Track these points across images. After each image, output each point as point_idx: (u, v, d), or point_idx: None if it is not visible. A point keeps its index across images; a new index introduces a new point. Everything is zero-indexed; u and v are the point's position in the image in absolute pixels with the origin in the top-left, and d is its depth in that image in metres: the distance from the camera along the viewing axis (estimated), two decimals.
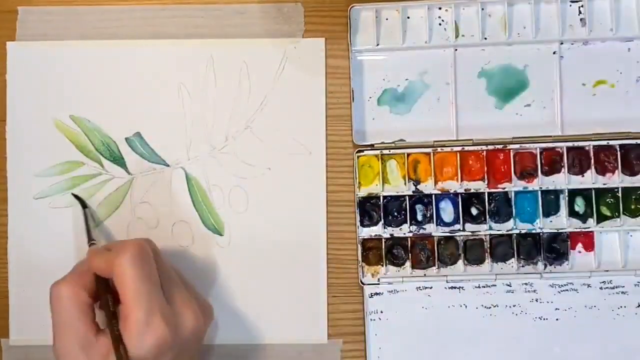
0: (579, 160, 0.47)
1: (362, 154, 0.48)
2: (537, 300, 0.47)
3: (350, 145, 0.49)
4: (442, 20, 0.48)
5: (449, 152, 0.48)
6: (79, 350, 0.39)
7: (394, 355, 0.48)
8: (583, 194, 0.48)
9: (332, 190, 0.49)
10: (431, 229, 0.48)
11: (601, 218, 0.47)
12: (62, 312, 0.40)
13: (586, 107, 0.48)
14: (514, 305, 0.48)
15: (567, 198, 0.47)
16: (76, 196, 0.48)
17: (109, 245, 0.44)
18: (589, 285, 0.47)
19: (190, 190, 0.49)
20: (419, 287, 0.48)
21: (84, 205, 0.48)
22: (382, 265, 0.48)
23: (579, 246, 0.48)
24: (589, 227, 0.47)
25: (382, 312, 0.48)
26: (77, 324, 0.40)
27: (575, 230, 0.47)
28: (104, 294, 0.41)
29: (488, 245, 0.48)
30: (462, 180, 0.48)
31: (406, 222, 0.48)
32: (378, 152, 0.48)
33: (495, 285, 0.48)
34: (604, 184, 0.47)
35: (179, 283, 0.43)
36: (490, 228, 0.48)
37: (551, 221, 0.48)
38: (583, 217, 0.47)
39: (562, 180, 0.47)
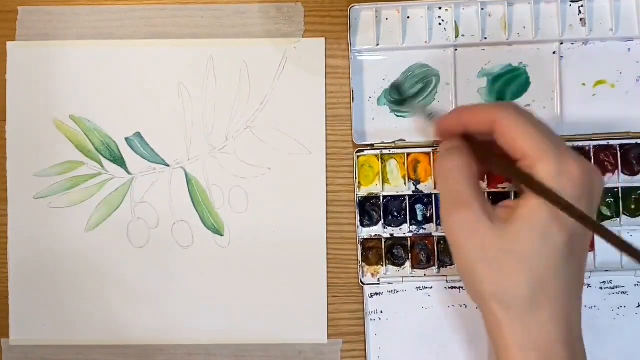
0: None
1: (362, 154, 0.48)
2: None
3: (350, 145, 0.49)
4: (442, 20, 0.48)
5: None
6: (484, 216, 0.36)
7: (394, 355, 0.48)
8: None
9: (332, 190, 0.49)
10: (431, 229, 0.48)
11: (601, 218, 0.47)
12: (461, 182, 0.37)
13: (586, 107, 0.48)
14: None
15: None
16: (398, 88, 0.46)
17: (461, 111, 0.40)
18: (589, 285, 0.47)
19: (190, 190, 0.49)
20: (419, 287, 0.48)
21: (407, 97, 0.46)
22: (382, 265, 0.48)
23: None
24: None
25: (382, 312, 0.48)
26: (477, 191, 0.37)
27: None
28: (485, 155, 0.38)
29: None
30: None
31: (406, 222, 0.48)
32: (378, 152, 0.48)
33: None
34: (604, 184, 0.47)
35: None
36: None
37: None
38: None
39: None
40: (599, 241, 0.47)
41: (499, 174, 0.39)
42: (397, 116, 0.48)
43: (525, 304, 0.35)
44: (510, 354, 0.36)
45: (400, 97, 0.47)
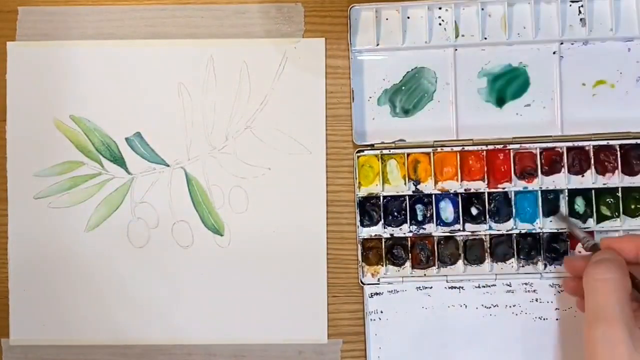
0: (579, 160, 0.47)
1: (362, 154, 0.48)
2: (537, 300, 0.47)
3: (350, 145, 0.49)
4: (442, 20, 0.48)
5: (449, 152, 0.48)
6: (628, 339, 0.35)
7: (394, 355, 0.48)
8: (583, 194, 0.48)
9: (332, 190, 0.49)
10: (431, 229, 0.48)
11: (601, 218, 0.47)
12: (610, 297, 0.36)
13: (586, 107, 0.48)
14: (514, 305, 0.48)
15: (567, 198, 0.47)
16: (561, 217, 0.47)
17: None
18: None
19: (190, 190, 0.49)
20: (419, 287, 0.48)
21: (561, 215, 0.47)
22: (382, 265, 0.48)
23: (579, 246, 0.47)
24: (589, 227, 0.47)
25: (382, 312, 0.48)
26: (625, 311, 0.36)
27: (577, 226, 0.47)
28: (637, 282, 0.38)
29: (488, 245, 0.48)
30: (462, 180, 0.48)
31: (406, 222, 0.48)
32: (378, 152, 0.48)
33: (495, 285, 0.48)
34: (604, 184, 0.47)
35: None
36: (490, 228, 0.48)
37: (551, 221, 0.48)
38: (583, 217, 0.47)
39: (562, 180, 0.47)
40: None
41: None
42: (394, 116, 0.48)
43: None
44: None
45: (557, 217, 0.47)
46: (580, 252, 0.47)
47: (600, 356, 0.36)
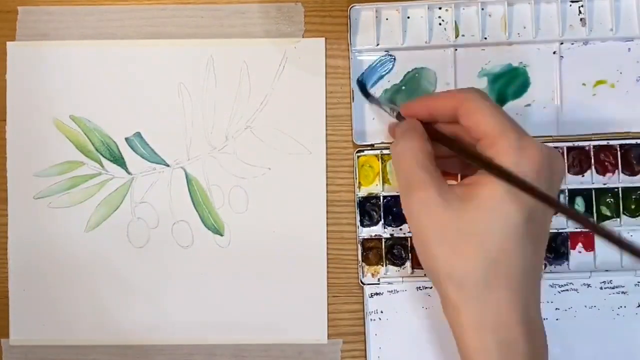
0: (579, 160, 0.47)
1: (362, 154, 0.48)
2: None
3: (350, 145, 0.49)
4: (442, 20, 0.48)
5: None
6: (439, 199, 0.36)
7: (394, 355, 0.48)
8: (583, 194, 0.48)
9: (332, 190, 0.49)
10: None
11: (601, 218, 0.47)
12: (413, 164, 0.37)
13: (586, 107, 0.48)
14: None
15: (567, 198, 0.47)
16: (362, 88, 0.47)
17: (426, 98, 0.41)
18: (589, 285, 0.47)
19: (190, 190, 0.49)
20: (419, 287, 0.48)
21: (367, 95, 0.47)
22: (382, 265, 0.48)
23: (579, 246, 0.48)
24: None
25: (382, 312, 0.48)
26: (431, 173, 0.37)
27: (575, 230, 0.47)
28: (445, 138, 0.39)
29: None
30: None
31: (406, 222, 0.48)
32: (378, 152, 0.48)
33: None
34: (604, 184, 0.47)
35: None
36: None
37: (551, 221, 0.48)
38: None
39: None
40: (599, 241, 0.47)
41: (457, 156, 0.39)
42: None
43: (479, 285, 0.35)
44: (466, 335, 0.36)
45: (364, 93, 0.47)
46: (580, 252, 0.47)
47: (419, 220, 0.37)
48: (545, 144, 0.37)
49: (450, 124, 0.40)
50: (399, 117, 0.43)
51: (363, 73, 0.48)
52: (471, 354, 0.36)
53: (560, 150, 0.47)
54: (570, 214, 0.35)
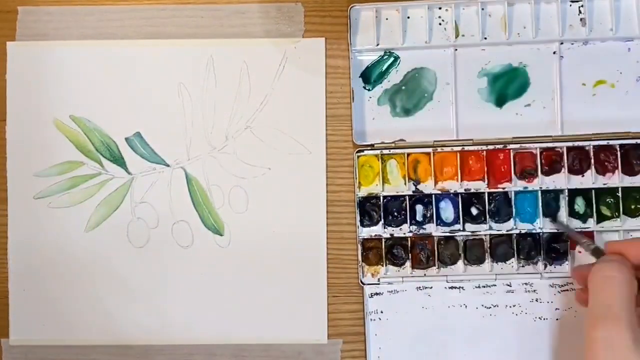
0: (579, 160, 0.47)
1: (362, 154, 0.48)
2: (537, 300, 0.47)
3: (350, 145, 0.49)
4: (442, 20, 0.48)
5: (449, 152, 0.48)
6: (630, 340, 0.34)
7: (394, 355, 0.48)
8: (583, 194, 0.48)
9: (332, 190, 0.49)
10: (431, 229, 0.48)
11: (601, 218, 0.47)
12: (615, 296, 0.35)
13: (586, 107, 0.48)
14: (514, 305, 0.48)
15: (567, 198, 0.47)
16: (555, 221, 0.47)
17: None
18: None
19: (190, 190, 0.49)
20: (419, 287, 0.48)
21: (554, 220, 0.47)
22: (382, 265, 0.48)
23: (579, 246, 0.48)
24: (589, 227, 0.47)
25: (382, 312, 0.48)
26: (630, 311, 0.35)
27: (576, 230, 0.47)
28: None
29: (488, 245, 0.48)
30: (462, 180, 0.48)
31: (406, 222, 0.48)
32: (378, 152, 0.48)
33: (495, 285, 0.48)
34: (604, 184, 0.47)
35: None
36: (490, 228, 0.48)
37: (551, 228, 0.47)
38: (583, 217, 0.47)
39: (562, 180, 0.47)
40: (599, 241, 0.47)
41: None
42: (394, 116, 0.48)
43: None
44: None
45: (551, 217, 0.47)
46: (580, 252, 0.47)
47: (601, 356, 0.35)
48: None
49: None
50: (596, 252, 0.41)
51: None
52: None
53: (560, 150, 0.47)
54: None
